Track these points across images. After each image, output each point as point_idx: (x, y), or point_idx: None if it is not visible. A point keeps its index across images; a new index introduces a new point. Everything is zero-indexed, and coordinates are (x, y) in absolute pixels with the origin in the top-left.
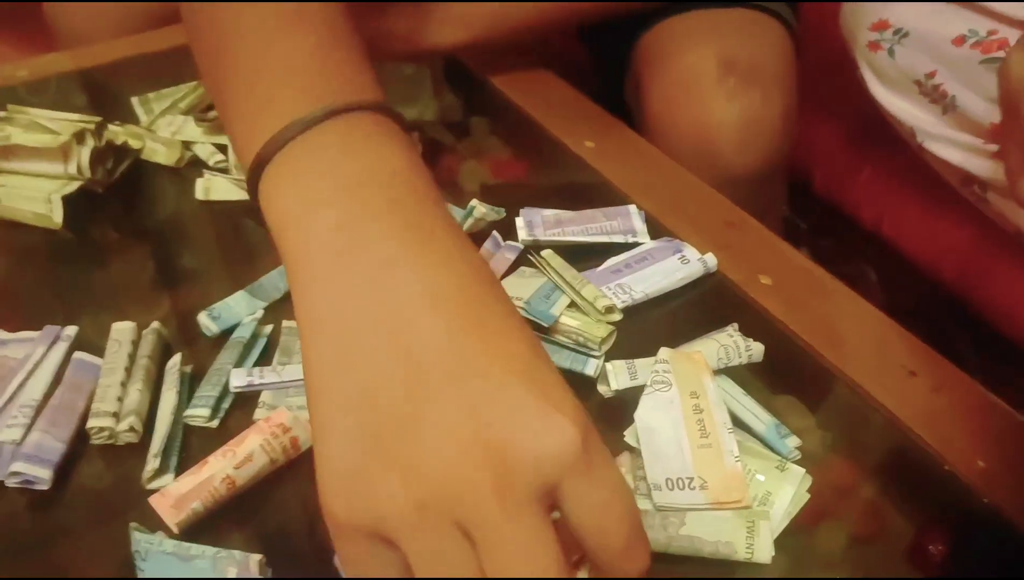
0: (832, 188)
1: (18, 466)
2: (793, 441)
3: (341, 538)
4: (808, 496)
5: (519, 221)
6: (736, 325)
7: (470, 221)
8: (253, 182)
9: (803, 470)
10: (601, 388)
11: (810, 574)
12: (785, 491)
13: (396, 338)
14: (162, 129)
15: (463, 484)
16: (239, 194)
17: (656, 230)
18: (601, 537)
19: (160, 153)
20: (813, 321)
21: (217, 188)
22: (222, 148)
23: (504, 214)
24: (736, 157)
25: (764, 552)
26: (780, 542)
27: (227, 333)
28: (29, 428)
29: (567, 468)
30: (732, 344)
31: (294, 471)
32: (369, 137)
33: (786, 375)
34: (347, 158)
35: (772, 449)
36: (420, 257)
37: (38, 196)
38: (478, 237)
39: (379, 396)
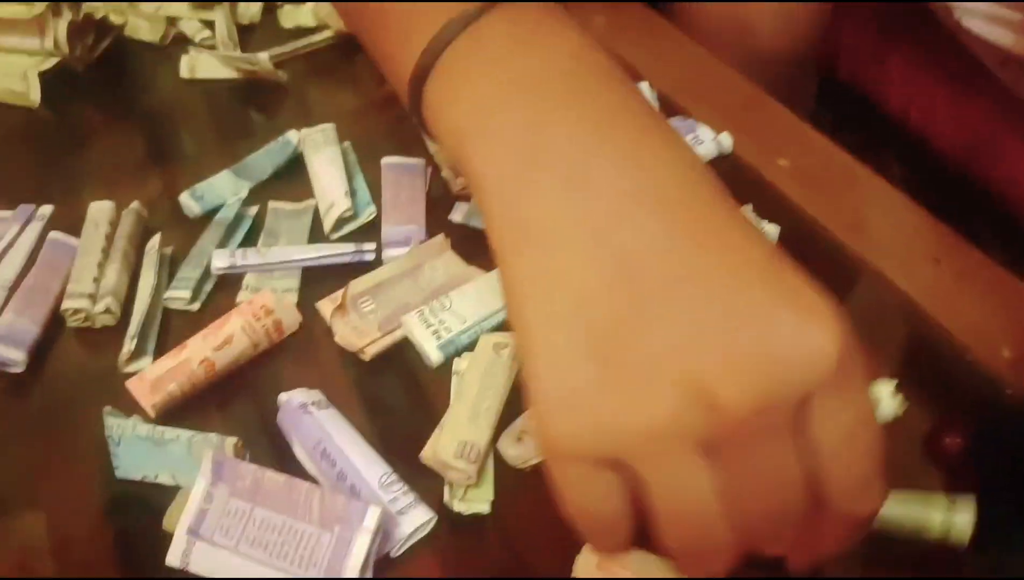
0: (859, 73)
1: None
2: None
3: (560, 463)
4: None
5: None
6: (751, 205)
7: None
8: (415, 99)
9: None
10: None
11: None
12: None
13: (607, 243)
14: (145, 4)
15: (701, 404)
16: (225, 72)
17: (669, 110)
18: (839, 466)
19: (143, 29)
20: (833, 205)
21: (203, 66)
22: (208, 24)
23: None
24: (770, 40)
25: None
26: None
27: (210, 215)
28: (1, 310)
29: (820, 381)
30: None
31: (276, 355)
32: (538, 24)
33: (802, 261)
34: (518, 50)
35: None
36: (622, 151)
37: (14, 73)
38: None
39: (597, 308)
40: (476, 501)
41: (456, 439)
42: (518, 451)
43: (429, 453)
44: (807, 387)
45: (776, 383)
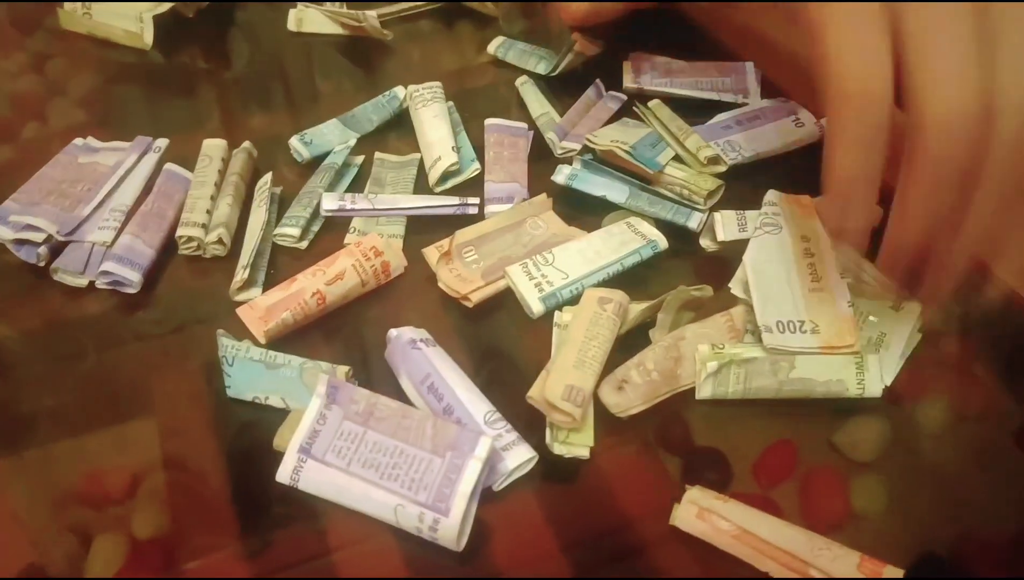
0: None
1: (108, 266)
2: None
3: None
4: (920, 336)
5: (627, 65)
6: None
7: (569, 57)
8: None
9: (919, 307)
10: (704, 242)
11: (914, 445)
12: (900, 331)
13: None
14: None
15: None
16: (332, 27)
17: (771, 92)
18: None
19: None
20: None
21: (310, 20)
22: None
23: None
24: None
25: (874, 386)
26: (885, 411)
27: (317, 161)
28: (120, 231)
29: None
30: None
31: (381, 296)
32: None
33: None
34: None
35: None
36: None
37: (129, 15)
38: (579, 80)
39: None
40: (576, 445)
41: (563, 382)
42: (618, 399)
43: (536, 393)
44: None
45: None
